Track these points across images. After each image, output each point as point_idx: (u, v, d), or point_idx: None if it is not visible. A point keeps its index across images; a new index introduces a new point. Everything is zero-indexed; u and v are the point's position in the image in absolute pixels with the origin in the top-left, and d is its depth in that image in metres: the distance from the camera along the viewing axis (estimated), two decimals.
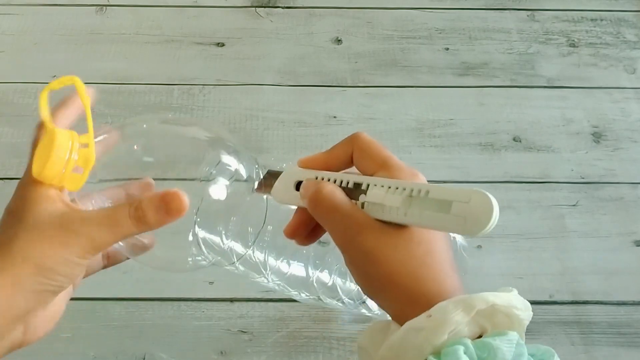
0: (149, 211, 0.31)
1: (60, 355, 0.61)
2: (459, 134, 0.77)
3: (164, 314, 0.63)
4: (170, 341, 0.62)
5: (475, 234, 0.28)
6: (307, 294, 0.43)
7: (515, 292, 0.30)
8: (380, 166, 0.33)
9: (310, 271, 0.41)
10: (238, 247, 0.39)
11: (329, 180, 0.33)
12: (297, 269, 0.41)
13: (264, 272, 0.41)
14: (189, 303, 0.64)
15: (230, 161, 0.38)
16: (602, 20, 0.90)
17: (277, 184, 0.35)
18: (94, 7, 0.88)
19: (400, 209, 0.30)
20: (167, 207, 0.31)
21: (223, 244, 0.38)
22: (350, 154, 0.34)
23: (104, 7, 0.88)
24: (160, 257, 0.38)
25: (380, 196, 0.30)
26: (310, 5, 0.90)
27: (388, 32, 0.87)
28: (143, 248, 0.38)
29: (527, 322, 0.30)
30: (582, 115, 0.80)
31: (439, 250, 0.31)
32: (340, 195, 0.32)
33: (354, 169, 0.34)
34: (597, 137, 0.78)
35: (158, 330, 0.62)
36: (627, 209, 0.72)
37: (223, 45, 0.85)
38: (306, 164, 0.35)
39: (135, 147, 0.36)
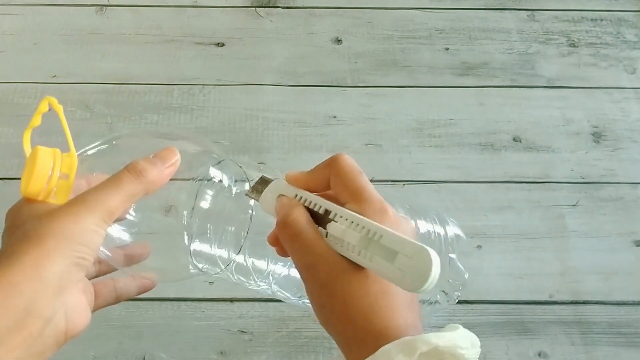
0: (145, 164, 0.32)
1: (60, 355, 0.61)
2: (459, 134, 0.77)
3: (164, 314, 0.63)
4: (170, 341, 0.62)
5: (412, 290, 0.27)
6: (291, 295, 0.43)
7: (460, 329, 0.30)
8: (352, 196, 0.32)
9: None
10: (227, 254, 0.39)
11: (305, 200, 0.33)
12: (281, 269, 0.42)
13: (255, 277, 0.41)
14: (189, 303, 0.64)
15: (218, 172, 0.38)
16: (602, 20, 0.90)
17: (265, 193, 0.35)
18: (94, 7, 0.88)
19: (356, 248, 0.30)
20: (161, 159, 0.33)
21: (213, 252, 0.39)
22: (328, 177, 0.33)
23: (104, 7, 0.88)
24: (154, 267, 0.39)
25: (341, 231, 0.30)
26: (310, 5, 0.90)
27: (388, 32, 0.87)
28: (138, 258, 0.38)
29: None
30: (582, 115, 0.80)
31: (396, 290, 0.30)
32: (305, 223, 0.32)
33: None
34: (597, 137, 0.78)
35: (158, 330, 0.62)
36: (627, 209, 0.72)
37: (223, 45, 0.85)
38: (291, 180, 0.35)
39: (123, 161, 0.37)
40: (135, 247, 0.38)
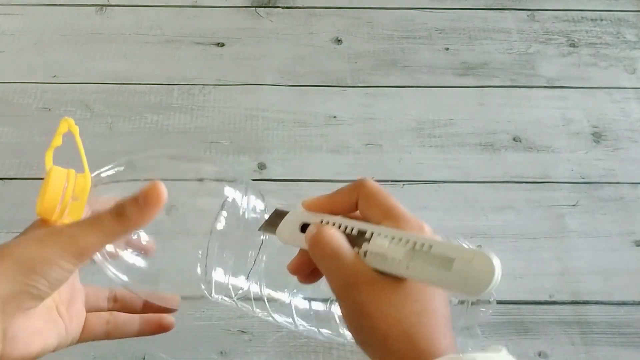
0: (127, 204, 0.31)
1: (60, 355, 0.61)
2: (459, 134, 0.77)
3: None
4: (170, 341, 0.62)
5: (475, 295, 0.27)
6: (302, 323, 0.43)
7: (504, 351, 0.30)
8: (385, 215, 0.32)
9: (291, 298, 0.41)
10: (239, 283, 0.39)
11: (333, 224, 0.33)
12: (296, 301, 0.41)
13: (274, 309, 0.41)
14: (189, 303, 0.64)
15: (238, 198, 0.38)
16: (602, 20, 0.90)
17: (282, 224, 0.35)
18: (94, 7, 0.88)
19: (403, 262, 0.29)
20: (144, 198, 0.31)
21: (227, 281, 0.38)
22: (355, 200, 0.33)
23: (104, 7, 0.88)
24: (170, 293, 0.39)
25: (384, 247, 0.30)
26: (310, 5, 0.90)
27: (388, 32, 0.87)
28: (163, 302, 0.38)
29: None
30: (582, 115, 0.80)
31: (435, 309, 0.30)
32: (341, 242, 0.31)
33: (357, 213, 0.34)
34: (597, 137, 0.78)
35: None
36: (627, 209, 0.72)
37: (223, 45, 0.85)
38: (311, 207, 0.34)
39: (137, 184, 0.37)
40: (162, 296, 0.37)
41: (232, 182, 0.38)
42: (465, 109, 0.80)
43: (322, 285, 0.39)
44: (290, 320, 0.40)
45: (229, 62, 0.84)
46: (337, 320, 0.40)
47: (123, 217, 0.31)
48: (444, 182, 0.73)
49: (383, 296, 0.30)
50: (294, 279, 0.35)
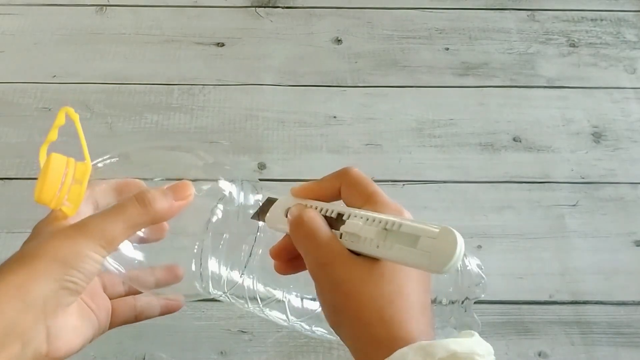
0: (156, 195, 0.32)
1: None
2: (459, 134, 0.77)
3: None
4: (170, 341, 0.62)
5: (439, 270, 0.28)
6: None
7: (476, 336, 0.30)
8: (366, 200, 0.33)
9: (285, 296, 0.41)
10: (231, 276, 0.39)
11: (317, 207, 0.34)
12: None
13: (257, 302, 0.41)
14: (189, 303, 0.64)
15: (235, 192, 0.38)
16: (602, 20, 0.90)
17: (271, 211, 0.36)
18: (94, 7, 0.88)
19: (374, 241, 0.30)
20: (175, 193, 0.32)
21: (220, 273, 0.39)
22: (338, 187, 0.34)
23: (104, 7, 0.88)
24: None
25: (357, 227, 0.31)
26: (310, 5, 0.90)
27: (388, 32, 0.87)
28: (165, 282, 0.38)
29: None
30: (582, 115, 0.80)
31: (409, 291, 0.30)
32: (319, 222, 0.32)
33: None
34: (597, 137, 0.78)
35: (158, 330, 0.62)
36: (627, 209, 0.72)
37: (223, 45, 0.85)
38: (298, 193, 0.36)
39: (135, 172, 0.37)
40: (163, 271, 0.38)
41: (228, 175, 0.39)
42: (465, 109, 0.80)
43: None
44: (283, 317, 0.41)
45: (229, 62, 0.84)
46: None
47: (149, 207, 0.31)
48: (444, 182, 0.73)
49: (357, 274, 0.30)
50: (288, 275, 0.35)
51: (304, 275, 0.34)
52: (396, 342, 0.28)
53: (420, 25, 0.88)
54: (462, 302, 0.41)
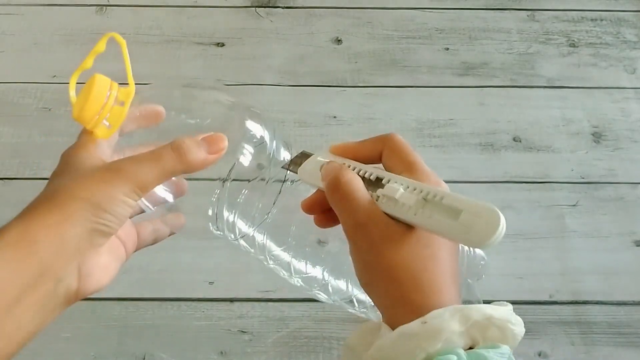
0: (192, 145, 0.32)
1: (60, 355, 0.61)
2: (459, 134, 0.77)
3: (164, 314, 0.63)
4: (170, 341, 0.62)
5: (477, 245, 0.28)
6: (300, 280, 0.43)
7: (510, 307, 0.30)
8: (406, 168, 0.33)
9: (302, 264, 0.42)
10: (244, 225, 0.39)
11: (354, 169, 0.34)
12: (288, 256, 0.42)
13: (265, 254, 0.41)
14: (189, 303, 0.64)
15: (267, 138, 0.38)
16: (602, 20, 0.90)
17: (306, 163, 0.36)
18: (94, 7, 0.88)
19: (412, 209, 0.30)
20: (210, 144, 0.32)
21: (234, 219, 0.38)
22: (380, 151, 0.35)
23: (104, 7, 0.88)
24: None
25: (396, 192, 0.31)
26: (310, 5, 0.90)
27: (388, 32, 0.87)
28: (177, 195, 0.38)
29: (519, 338, 0.30)
30: (582, 115, 0.80)
31: (443, 258, 0.31)
32: (357, 184, 0.32)
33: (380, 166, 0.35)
34: (597, 137, 0.78)
35: (158, 330, 0.62)
36: (627, 209, 0.72)
37: (223, 45, 0.85)
38: (337, 150, 0.36)
39: (172, 111, 0.37)
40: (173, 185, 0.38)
41: (264, 123, 0.38)
42: (465, 109, 0.80)
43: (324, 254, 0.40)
44: (287, 273, 0.41)
45: (229, 62, 0.84)
46: (329, 282, 0.41)
47: (184, 156, 0.32)
48: (444, 182, 0.73)
49: (393, 236, 0.30)
50: (299, 234, 0.36)
51: (313, 246, 0.34)
52: (429, 304, 0.29)
53: (420, 25, 0.88)
54: (466, 281, 0.42)
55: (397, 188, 0.31)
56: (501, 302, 0.31)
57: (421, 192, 0.30)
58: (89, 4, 0.88)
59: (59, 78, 0.81)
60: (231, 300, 0.64)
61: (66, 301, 0.30)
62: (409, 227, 0.31)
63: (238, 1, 0.90)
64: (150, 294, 0.64)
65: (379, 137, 0.35)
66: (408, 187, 0.31)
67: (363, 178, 0.33)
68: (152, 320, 0.63)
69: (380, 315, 0.32)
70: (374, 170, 0.33)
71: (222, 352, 0.61)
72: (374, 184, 0.32)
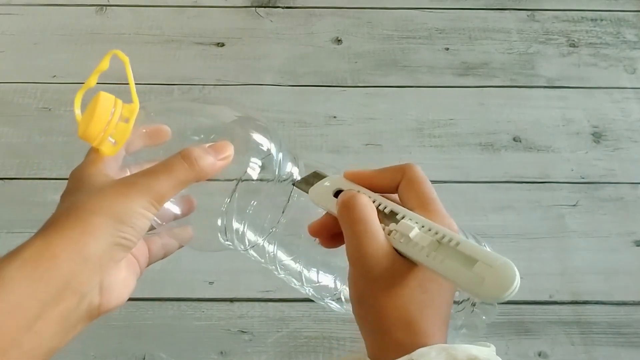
0: (201, 153, 0.32)
1: (60, 355, 0.61)
2: (459, 134, 0.77)
3: (164, 314, 0.63)
4: (170, 341, 0.62)
5: (487, 298, 0.28)
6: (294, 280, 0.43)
7: (493, 348, 0.30)
8: (421, 204, 0.32)
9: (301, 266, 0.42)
10: (253, 235, 0.39)
11: (369, 197, 0.33)
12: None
13: (275, 264, 0.41)
14: (189, 303, 0.64)
15: (274, 151, 0.38)
16: (602, 20, 0.90)
17: (318, 185, 0.36)
18: (94, 7, 0.88)
19: (424, 250, 0.30)
20: (215, 151, 0.33)
21: (243, 229, 0.38)
22: (397, 181, 0.34)
23: (104, 7, 0.88)
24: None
25: (411, 230, 0.30)
26: (310, 5, 0.90)
27: (388, 32, 0.87)
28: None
29: None
30: (582, 115, 0.80)
31: (440, 304, 0.31)
32: (371, 212, 0.32)
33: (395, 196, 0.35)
34: (597, 137, 0.78)
35: (158, 330, 0.62)
36: (627, 209, 0.72)
37: (223, 45, 0.85)
38: (352, 176, 0.35)
39: (176, 127, 0.37)
40: (183, 203, 0.38)
41: (271, 136, 0.38)
42: (465, 109, 0.80)
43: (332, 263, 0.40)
44: (298, 282, 0.41)
45: (229, 62, 0.84)
46: (341, 291, 0.41)
47: (195, 165, 0.32)
48: (444, 182, 0.73)
49: (395, 276, 0.30)
50: (309, 242, 0.35)
51: (324, 254, 0.34)
52: (413, 346, 0.29)
53: (420, 25, 0.88)
54: (474, 305, 0.42)
55: (412, 226, 0.30)
56: (484, 342, 0.31)
57: (436, 234, 0.30)
58: (89, 4, 0.88)
59: (59, 78, 0.81)
60: (231, 300, 0.64)
61: (88, 317, 0.30)
62: (411, 266, 0.30)
63: (238, 1, 0.90)
64: (150, 294, 0.64)
65: (398, 166, 0.34)
66: (423, 227, 0.30)
67: (377, 209, 0.32)
68: (152, 320, 0.63)
69: None
70: (389, 203, 0.33)
71: (222, 352, 0.61)
72: (388, 217, 0.32)
